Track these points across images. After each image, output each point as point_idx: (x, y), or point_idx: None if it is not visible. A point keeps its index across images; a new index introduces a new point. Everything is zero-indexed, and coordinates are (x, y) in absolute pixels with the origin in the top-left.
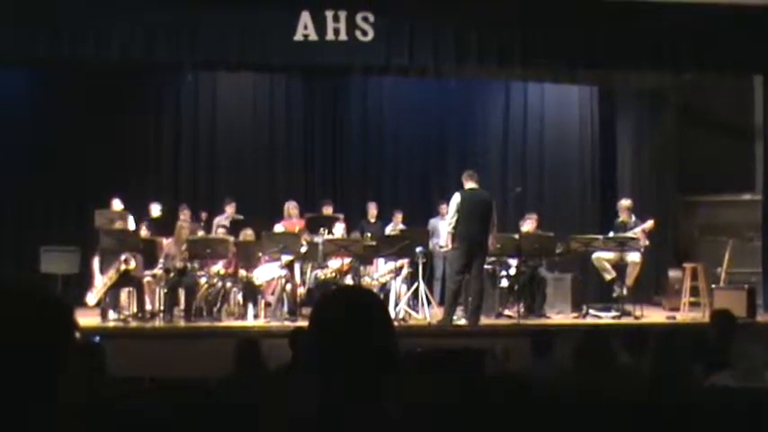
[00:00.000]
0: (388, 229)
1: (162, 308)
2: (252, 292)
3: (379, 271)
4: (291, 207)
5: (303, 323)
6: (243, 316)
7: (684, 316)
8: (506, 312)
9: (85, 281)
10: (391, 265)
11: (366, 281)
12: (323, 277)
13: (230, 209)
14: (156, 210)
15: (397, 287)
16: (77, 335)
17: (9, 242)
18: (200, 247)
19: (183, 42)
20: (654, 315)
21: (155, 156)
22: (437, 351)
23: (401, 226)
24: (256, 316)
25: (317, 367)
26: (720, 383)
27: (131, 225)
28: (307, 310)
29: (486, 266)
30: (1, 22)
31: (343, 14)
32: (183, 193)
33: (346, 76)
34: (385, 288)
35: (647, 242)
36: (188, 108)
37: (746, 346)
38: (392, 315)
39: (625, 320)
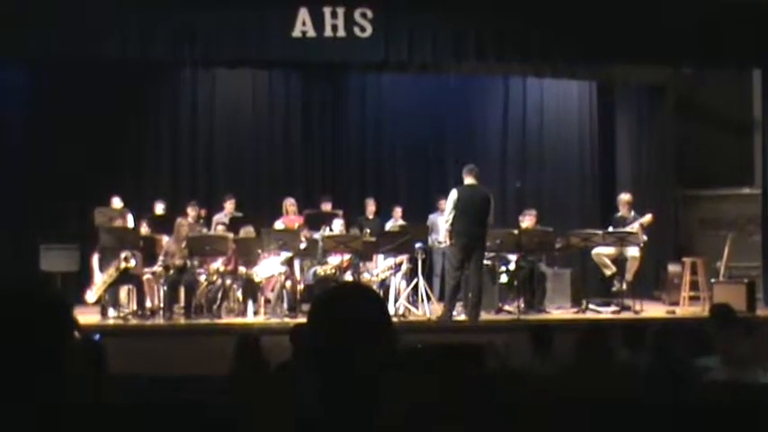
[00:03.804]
0: (389, 225)
1: (162, 305)
2: (252, 289)
3: (379, 267)
4: (289, 204)
5: (303, 319)
6: (243, 313)
7: (684, 310)
8: (506, 308)
9: (85, 279)
10: (390, 261)
11: (365, 277)
12: (322, 273)
13: (230, 205)
14: (159, 208)
15: (397, 283)
16: (77, 333)
17: (9, 240)
18: (200, 245)
19: (181, 40)
20: (653, 310)
21: (154, 153)
22: (437, 347)
23: (401, 221)
24: (256, 313)
25: (316, 364)
26: (708, 365)
27: (131, 223)
28: (307, 307)
29: (485, 262)
30: None
31: (341, 11)
32: (182, 191)
33: (345, 72)
34: (384, 284)
35: (644, 237)
36: (186, 105)
37: (736, 337)
38: (392, 311)
39: (625, 315)
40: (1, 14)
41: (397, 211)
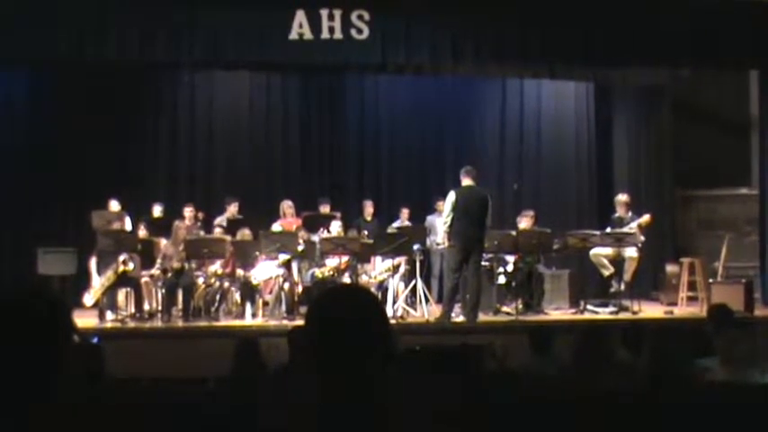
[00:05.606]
0: (396, 225)
1: (160, 308)
2: (250, 292)
3: (377, 269)
4: (286, 206)
5: (301, 322)
6: (241, 315)
7: (682, 311)
8: (504, 309)
9: (83, 282)
10: (389, 262)
11: (363, 279)
12: (320, 275)
13: (233, 208)
14: (157, 211)
15: (395, 285)
16: (75, 336)
17: (6, 243)
18: (198, 247)
19: (179, 42)
20: (652, 310)
21: (152, 156)
22: (436, 348)
23: (407, 222)
24: (254, 315)
25: (314, 366)
26: (708, 366)
27: (128, 226)
28: (305, 309)
29: (483, 263)
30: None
31: (338, 13)
32: (180, 193)
33: (342, 74)
34: (383, 286)
35: (642, 237)
36: (185, 108)
37: (734, 337)
38: (390, 313)
39: (623, 316)
40: (1, 15)
41: (404, 212)
